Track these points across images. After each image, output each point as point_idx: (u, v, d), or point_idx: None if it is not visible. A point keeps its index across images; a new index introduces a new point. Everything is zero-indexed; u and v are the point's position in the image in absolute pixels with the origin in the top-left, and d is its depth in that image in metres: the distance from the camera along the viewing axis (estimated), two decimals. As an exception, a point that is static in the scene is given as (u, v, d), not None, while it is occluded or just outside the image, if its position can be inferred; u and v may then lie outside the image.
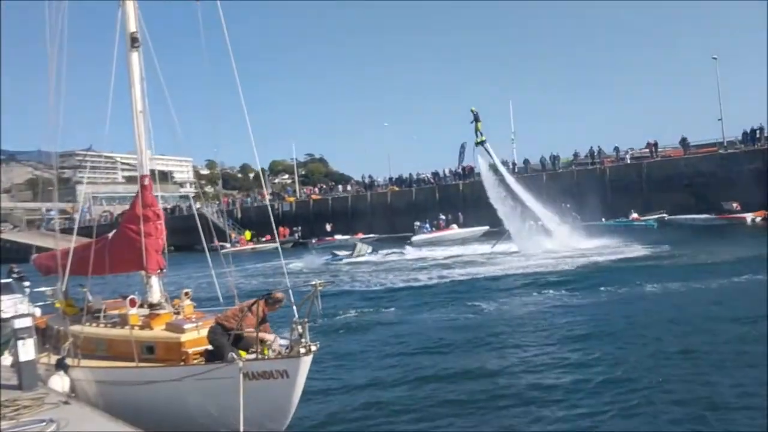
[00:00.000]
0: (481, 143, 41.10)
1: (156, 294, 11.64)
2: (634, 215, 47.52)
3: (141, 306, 11.51)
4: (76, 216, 32.83)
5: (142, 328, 10.54)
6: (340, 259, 40.52)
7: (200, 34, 12.38)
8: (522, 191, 41.47)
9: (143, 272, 11.67)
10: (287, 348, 8.47)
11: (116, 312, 11.69)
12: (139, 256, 11.37)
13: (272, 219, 13.73)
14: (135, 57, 11.86)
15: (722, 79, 56.08)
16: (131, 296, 11.28)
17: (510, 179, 42.84)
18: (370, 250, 42.03)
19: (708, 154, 49.96)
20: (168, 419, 9.01)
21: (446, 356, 13.01)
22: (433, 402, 10.11)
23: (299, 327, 7.98)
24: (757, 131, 47.64)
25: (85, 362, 10.30)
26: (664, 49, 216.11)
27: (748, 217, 41.77)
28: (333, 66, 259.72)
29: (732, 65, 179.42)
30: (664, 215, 46.69)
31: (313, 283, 7.96)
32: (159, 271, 11.74)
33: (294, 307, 8.45)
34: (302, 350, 8.00)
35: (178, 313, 11.11)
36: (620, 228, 45.62)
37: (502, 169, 43.21)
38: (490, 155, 42.20)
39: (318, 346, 8.21)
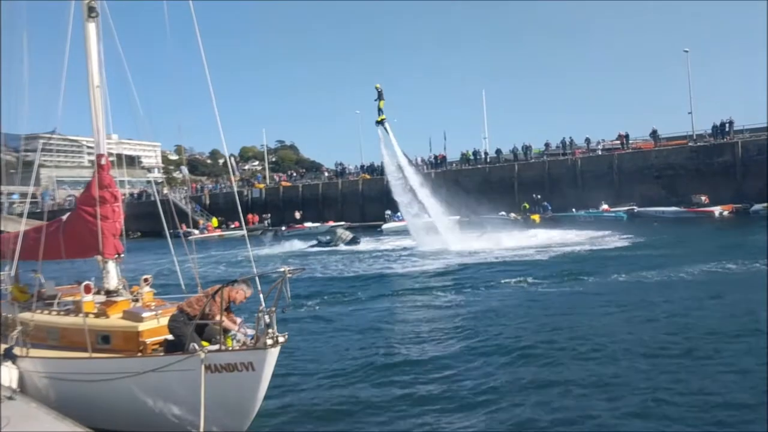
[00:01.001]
0: (381, 122, 38.05)
1: (113, 280, 10.97)
2: (605, 206, 47.56)
3: (97, 293, 10.82)
4: (29, 200, 31.41)
5: (97, 316, 9.85)
6: (321, 245, 39.96)
7: (166, 23, 11.74)
8: (418, 183, 38.58)
9: (99, 257, 10.97)
10: (252, 338, 7.94)
11: (71, 299, 11.01)
12: (95, 240, 10.69)
13: (238, 205, 12.92)
14: (92, 28, 11.16)
15: (693, 72, 56.46)
16: (86, 282, 10.58)
17: (407, 168, 39.74)
18: (350, 237, 40.40)
19: (678, 146, 50.26)
20: (122, 414, 8.40)
21: (416, 348, 12.48)
22: (399, 399, 9.56)
23: (266, 316, 7.41)
24: (727, 125, 48.08)
25: (34, 352, 9.61)
26: (636, 41, 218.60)
27: (716, 210, 42.07)
28: (305, 53, 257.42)
29: (703, 59, 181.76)
30: (634, 207, 46.86)
31: (282, 269, 7.41)
32: (116, 256, 11.06)
33: (261, 296, 7.86)
34: (269, 341, 7.44)
35: (136, 301, 10.48)
36: (590, 219, 45.75)
37: (399, 154, 39.58)
38: (389, 136, 38.64)
39: (286, 337, 7.64)
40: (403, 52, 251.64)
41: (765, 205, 40.40)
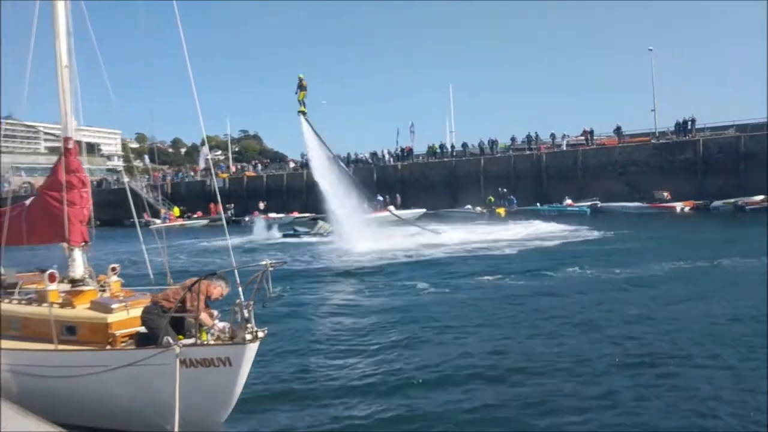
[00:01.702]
0: (302, 113, 35.59)
1: (79, 269, 10.52)
2: (568, 201, 48.16)
3: (61, 281, 10.37)
4: None
5: (62, 306, 9.40)
6: (299, 235, 39.35)
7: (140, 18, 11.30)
8: (336, 179, 36.12)
9: (65, 245, 10.52)
10: (224, 332, 7.64)
11: (33, 287, 10.52)
12: (61, 227, 10.24)
13: (217, 194, 12.21)
14: (60, 5, 10.67)
15: (657, 70, 57.43)
16: (51, 270, 10.12)
17: (315, 160, 36.89)
18: (331, 229, 38.33)
19: (641, 143, 51.08)
20: (90, 410, 8.03)
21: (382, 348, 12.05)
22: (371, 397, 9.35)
23: (245, 310, 7.11)
24: (689, 123, 48.95)
25: (-6, 343, 9.13)
26: (602, 40, 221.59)
27: (678, 206, 42.98)
28: (269, 41, 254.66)
29: (667, 57, 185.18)
30: (597, 202, 47.52)
31: (264, 262, 7.12)
32: (83, 243, 10.61)
33: (240, 288, 7.54)
34: (248, 336, 7.16)
35: (103, 290, 10.07)
36: (554, 213, 46.24)
37: (313, 146, 36.42)
38: (312, 128, 35.93)
39: (266, 332, 7.35)
40: (370, 43, 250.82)
41: (724, 201, 41.40)
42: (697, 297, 15.42)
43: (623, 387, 9.25)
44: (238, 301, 7.35)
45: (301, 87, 35.32)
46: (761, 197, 40.15)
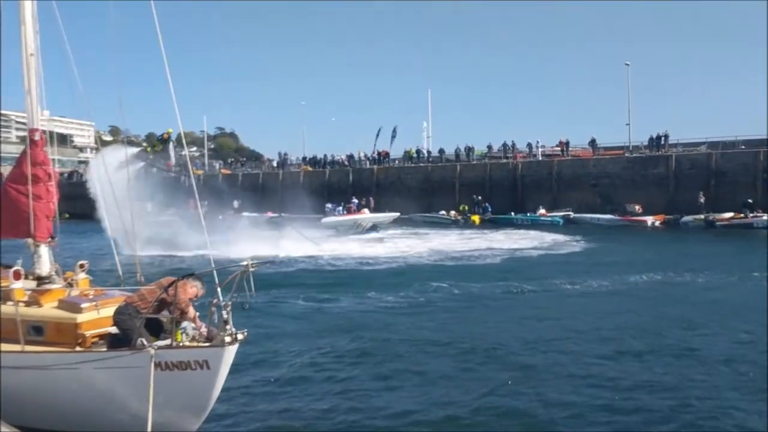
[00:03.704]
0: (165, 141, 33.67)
1: (45, 265, 10.11)
2: (542, 211, 48.40)
3: (25, 278, 9.92)
4: None
5: (28, 304, 8.99)
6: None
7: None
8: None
9: (30, 240, 10.11)
10: (200, 334, 7.36)
11: None
12: (25, 221, 9.85)
13: (195, 190, 11.21)
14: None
15: (633, 85, 58.12)
16: (16, 267, 9.68)
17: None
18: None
19: (615, 156, 51.57)
20: (60, 414, 7.69)
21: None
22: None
23: (224, 312, 6.85)
24: (662, 138, 49.63)
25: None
26: (580, 52, 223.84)
27: (649, 219, 43.40)
28: (251, 39, 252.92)
29: (643, 71, 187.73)
30: (570, 213, 47.81)
31: (245, 262, 6.86)
32: (49, 239, 10.22)
33: (219, 289, 7.27)
34: (227, 338, 6.89)
35: (71, 286, 9.69)
36: (527, 222, 46.53)
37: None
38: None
39: (246, 334, 7.09)
40: (350, 46, 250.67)
41: (695, 217, 41.96)
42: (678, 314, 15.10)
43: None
44: (215, 300, 7.11)
45: (163, 141, 34.37)
46: (730, 214, 40.85)
